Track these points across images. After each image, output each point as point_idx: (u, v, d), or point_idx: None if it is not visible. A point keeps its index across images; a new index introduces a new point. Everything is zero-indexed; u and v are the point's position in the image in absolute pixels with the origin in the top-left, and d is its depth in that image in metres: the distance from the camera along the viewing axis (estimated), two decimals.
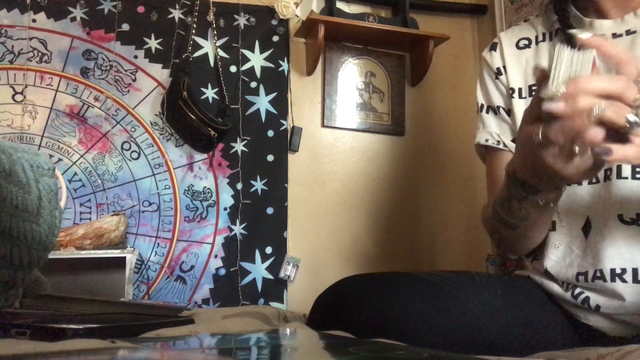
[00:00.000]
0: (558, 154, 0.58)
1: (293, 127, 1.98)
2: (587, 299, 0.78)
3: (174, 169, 1.86)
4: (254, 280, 1.87)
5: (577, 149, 0.56)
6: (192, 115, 1.75)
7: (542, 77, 0.57)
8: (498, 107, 0.92)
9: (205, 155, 1.88)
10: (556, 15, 0.87)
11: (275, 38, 1.99)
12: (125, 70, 1.84)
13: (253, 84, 1.95)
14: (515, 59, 0.91)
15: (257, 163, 1.92)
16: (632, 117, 0.53)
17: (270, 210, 1.92)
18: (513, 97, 0.89)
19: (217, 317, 0.74)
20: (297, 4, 1.98)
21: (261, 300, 1.86)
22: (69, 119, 1.78)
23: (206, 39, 1.91)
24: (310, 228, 1.99)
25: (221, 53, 1.92)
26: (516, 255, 0.91)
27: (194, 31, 1.88)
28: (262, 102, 1.95)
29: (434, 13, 2.21)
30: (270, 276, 1.89)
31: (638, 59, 0.56)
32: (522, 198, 0.71)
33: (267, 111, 1.95)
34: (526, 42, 0.91)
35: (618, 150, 0.54)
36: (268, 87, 1.96)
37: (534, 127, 0.59)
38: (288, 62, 2.01)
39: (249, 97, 1.94)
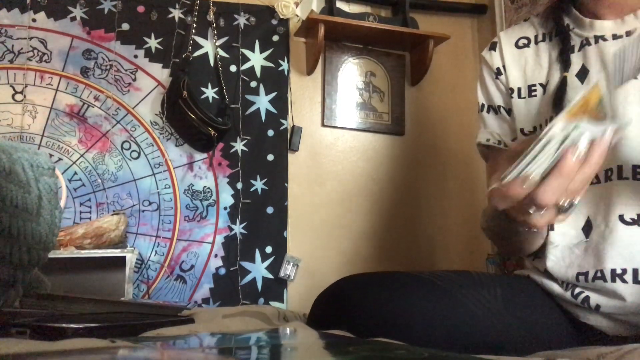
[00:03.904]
0: (518, 210, 0.61)
1: (293, 126, 1.98)
2: (587, 298, 0.78)
3: (174, 168, 1.86)
4: (254, 279, 1.87)
5: (530, 211, 0.59)
6: (192, 115, 1.75)
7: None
8: (499, 106, 0.92)
9: (205, 155, 1.88)
10: (555, 16, 0.87)
11: (275, 38, 1.99)
12: (125, 70, 1.84)
13: (253, 84, 1.95)
14: (515, 58, 0.91)
15: (257, 162, 1.92)
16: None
17: (270, 210, 1.92)
18: (512, 97, 0.89)
19: (217, 317, 0.74)
20: (297, 4, 1.98)
21: (261, 300, 1.87)
22: (69, 118, 1.78)
23: (206, 38, 1.91)
24: (310, 228, 1.99)
25: (221, 52, 1.92)
26: (517, 256, 0.92)
27: (194, 31, 1.88)
28: (262, 102, 1.95)
29: (434, 13, 2.21)
30: (270, 276, 1.89)
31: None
32: (509, 222, 0.71)
33: (267, 111, 1.95)
34: (525, 41, 0.91)
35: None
36: (268, 86, 1.96)
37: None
38: (288, 62, 2.01)
39: (249, 97, 1.94)
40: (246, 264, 1.87)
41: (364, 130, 2.08)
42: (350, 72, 2.08)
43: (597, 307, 0.77)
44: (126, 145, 1.83)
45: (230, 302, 1.80)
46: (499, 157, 0.90)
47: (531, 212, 0.60)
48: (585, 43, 0.83)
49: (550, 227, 0.83)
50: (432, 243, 2.13)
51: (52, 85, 1.78)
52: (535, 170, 0.57)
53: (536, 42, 0.90)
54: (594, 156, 0.56)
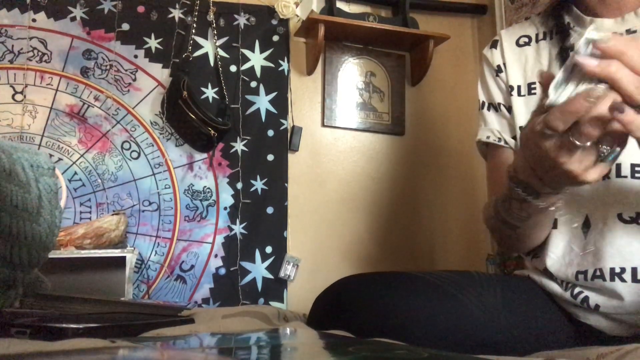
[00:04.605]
0: (560, 146, 0.57)
1: (293, 126, 1.98)
2: (586, 298, 0.78)
3: (174, 168, 1.86)
4: (254, 279, 1.87)
5: (577, 141, 0.56)
6: (192, 115, 1.75)
7: (547, 82, 0.57)
8: (499, 104, 0.92)
9: (205, 155, 1.88)
10: (556, 14, 0.87)
11: (275, 38, 1.99)
12: (125, 70, 1.84)
13: (253, 84, 1.95)
14: (515, 56, 0.91)
15: (257, 163, 1.92)
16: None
17: (270, 210, 1.92)
18: (512, 95, 0.89)
19: (217, 317, 0.74)
20: (297, 4, 1.98)
21: (261, 300, 1.87)
22: (69, 118, 1.78)
23: (206, 38, 1.91)
24: (310, 228, 1.99)
25: (221, 53, 1.92)
26: (517, 253, 0.91)
27: (194, 31, 1.88)
28: (262, 102, 1.95)
29: (434, 13, 2.21)
30: (270, 276, 1.89)
31: None
32: (523, 200, 0.70)
33: (267, 111, 1.95)
34: (526, 39, 0.91)
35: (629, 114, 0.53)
36: (268, 86, 1.96)
37: (537, 118, 0.59)
38: (288, 62, 2.01)
39: (249, 97, 1.94)
40: (246, 264, 1.87)
41: (364, 130, 2.08)
42: (351, 72, 2.08)
43: (597, 307, 0.77)
44: (126, 145, 1.83)
45: (230, 302, 1.80)
46: (502, 158, 0.90)
47: (572, 151, 0.56)
48: None
49: (554, 226, 0.83)
50: (432, 243, 2.13)
51: (52, 85, 1.78)
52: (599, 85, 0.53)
53: (537, 41, 0.90)
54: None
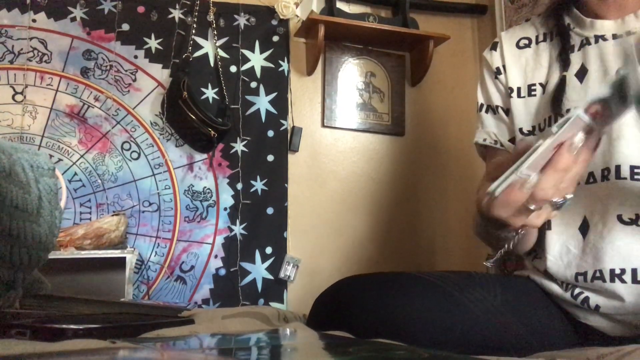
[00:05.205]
0: (515, 214, 0.61)
1: (293, 127, 1.98)
2: (586, 299, 0.78)
3: (174, 169, 1.86)
4: (254, 280, 1.87)
5: (531, 206, 0.60)
6: (192, 115, 1.75)
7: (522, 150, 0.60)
8: (497, 106, 0.92)
9: (205, 156, 1.88)
10: (556, 15, 0.88)
11: (275, 38, 1.99)
12: (125, 70, 1.84)
13: (253, 84, 1.95)
14: (515, 58, 0.91)
15: (257, 163, 1.92)
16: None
17: (270, 210, 1.92)
18: (512, 97, 0.89)
19: (217, 317, 0.74)
20: (297, 4, 1.98)
21: (261, 301, 1.87)
22: (69, 119, 1.78)
23: (206, 39, 1.91)
24: (310, 228, 1.99)
25: (221, 53, 1.92)
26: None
27: (194, 31, 1.88)
28: (262, 102, 1.95)
29: (434, 13, 2.21)
30: (270, 276, 1.89)
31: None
32: (497, 230, 0.71)
33: (267, 111, 1.95)
34: (526, 41, 0.91)
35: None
36: (268, 87, 1.96)
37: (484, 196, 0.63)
38: (288, 62, 2.01)
39: (249, 97, 1.94)
40: (246, 265, 1.87)
41: (364, 130, 2.08)
42: (351, 73, 2.08)
43: (597, 307, 0.77)
44: (126, 146, 1.83)
45: (230, 302, 1.80)
46: (496, 159, 0.90)
47: (527, 212, 0.61)
48: (585, 42, 0.83)
49: (548, 227, 0.83)
50: (432, 243, 2.13)
51: (52, 85, 1.78)
52: (532, 171, 0.57)
53: (537, 42, 0.90)
54: (583, 154, 0.57)
